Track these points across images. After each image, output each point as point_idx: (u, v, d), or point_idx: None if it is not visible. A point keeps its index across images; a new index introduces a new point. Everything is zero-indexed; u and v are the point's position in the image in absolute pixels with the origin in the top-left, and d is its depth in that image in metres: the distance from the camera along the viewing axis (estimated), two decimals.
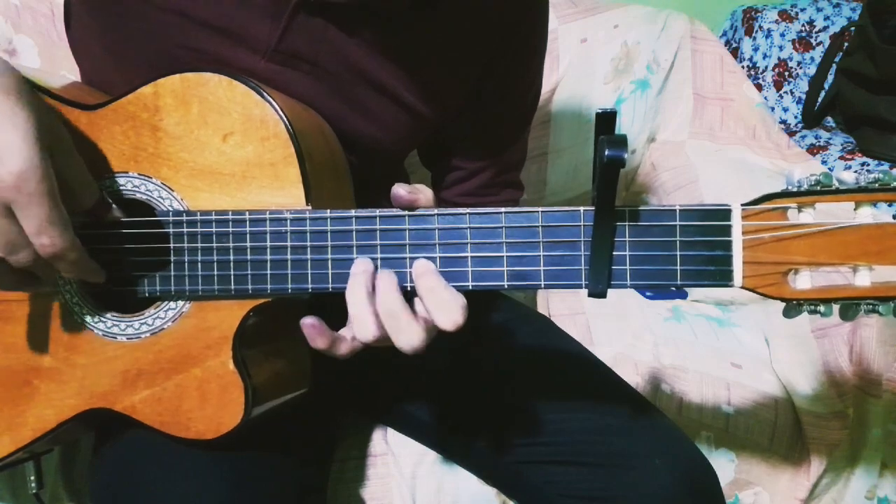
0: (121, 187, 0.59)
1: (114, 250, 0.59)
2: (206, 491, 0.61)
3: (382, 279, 0.53)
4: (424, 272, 0.53)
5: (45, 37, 1.11)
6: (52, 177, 0.49)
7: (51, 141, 0.50)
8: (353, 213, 0.55)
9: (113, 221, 0.58)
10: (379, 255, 0.54)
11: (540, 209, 0.52)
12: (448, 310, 0.51)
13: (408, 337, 0.52)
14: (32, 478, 0.69)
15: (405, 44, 0.67)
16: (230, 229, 0.57)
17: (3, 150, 0.47)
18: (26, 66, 1.02)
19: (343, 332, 0.55)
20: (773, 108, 1.74)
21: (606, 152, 0.45)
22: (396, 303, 0.52)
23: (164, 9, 0.62)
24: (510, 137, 0.83)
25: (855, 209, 0.50)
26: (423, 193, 0.54)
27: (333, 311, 0.56)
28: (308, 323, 0.53)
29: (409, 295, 0.54)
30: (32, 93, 0.51)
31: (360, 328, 0.53)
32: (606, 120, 0.47)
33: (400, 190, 0.53)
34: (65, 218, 0.51)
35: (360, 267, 0.54)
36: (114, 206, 0.58)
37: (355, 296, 0.53)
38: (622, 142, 0.45)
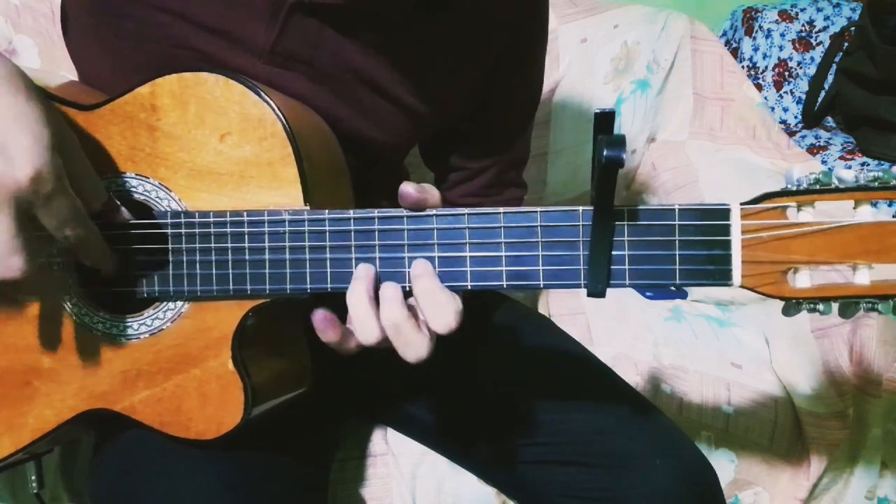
0: (118, 188, 0.59)
1: (113, 251, 0.59)
2: (206, 491, 0.61)
3: (386, 291, 0.53)
4: (422, 273, 0.53)
5: (45, 37, 1.11)
6: (64, 174, 0.50)
7: (59, 140, 0.51)
8: (351, 213, 0.55)
9: (121, 224, 0.58)
10: (377, 255, 0.54)
11: (539, 209, 0.52)
12: (442, 314, 0.52)
13: (414, 349, 0.52)
14: (34, 478, 0.69)
15: (404, 45, 0.67)
16: (228, 230, 0.57)
17: (17, 152, 0.47)
18: (25, 66, 1.01)
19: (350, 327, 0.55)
20: (773, 108, 1.74)
21: (605, 152, 0.45)
22: (401, 316, 0.52)
23: (160, 9, 0.62)
24: (513, 135, 0.83)
25: (854, 208, 0.50)
26: (431, 194, 0.54)
27: (337, 308, 0.56)
28: (320, 315, 0.53)
29: (407, 295, 0.54)
30: (39, 92, 0.51)
31: (362, 332, 0.53)
32: (605, 120, 0.47)
33: (409, 188, 0.53)
34: (82, 210, 0.52)
35: (363, 272, 0.54)
36: (122, 208, 0.58)
37: (357, 299, 0.53)
38: (620, 142, 0.45)
